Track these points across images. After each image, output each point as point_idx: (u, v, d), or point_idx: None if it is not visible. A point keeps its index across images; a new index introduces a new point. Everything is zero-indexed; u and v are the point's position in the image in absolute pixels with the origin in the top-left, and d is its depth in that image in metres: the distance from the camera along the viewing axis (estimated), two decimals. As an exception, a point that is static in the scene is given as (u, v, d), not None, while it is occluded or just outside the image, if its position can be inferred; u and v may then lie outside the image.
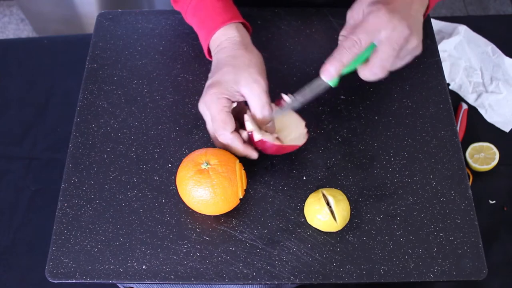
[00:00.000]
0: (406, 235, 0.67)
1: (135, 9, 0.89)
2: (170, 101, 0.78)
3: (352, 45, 0.63)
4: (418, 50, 0.67)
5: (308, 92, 0.67)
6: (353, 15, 0.68)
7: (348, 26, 0.69)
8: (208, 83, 0.68)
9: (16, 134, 1.21)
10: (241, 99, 0.67)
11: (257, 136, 0.66)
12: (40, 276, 0.99)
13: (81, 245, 0.67)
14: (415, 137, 0.75)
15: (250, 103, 0.67)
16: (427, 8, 0.70)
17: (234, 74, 0.66)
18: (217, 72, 0.67)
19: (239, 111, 0.69)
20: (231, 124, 0.65)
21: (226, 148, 0.69)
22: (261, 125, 0.67)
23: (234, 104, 0.67)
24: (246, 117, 0.67)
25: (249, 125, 0.66)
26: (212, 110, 0.66)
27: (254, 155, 0.68)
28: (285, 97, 0.68)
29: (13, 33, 2.01)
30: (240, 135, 0.67)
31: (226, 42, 0.70)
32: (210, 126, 0.68)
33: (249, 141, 0.68)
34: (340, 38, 0.68)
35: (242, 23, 0.73)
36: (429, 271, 0.65)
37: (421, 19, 0.68)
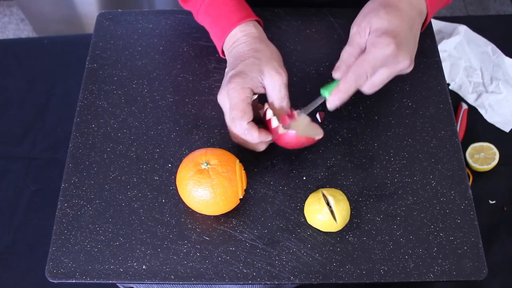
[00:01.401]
0: (406, 235, 0.67)
1: (135, 9, 0.89)
2: (170, 101, 0.78)
3: (358, 78, 0.65)
4: (408, 71, 0.69)
5: (310, 108, 0.71)
6: (359, 31, 0.68)
7: (354, 43, 0.68)
8: (230, 73, 0.67)
9: (16, 134, 1.21)
10: (262, 91, 0.68)
11: (275, 123, 0.66)
12: (40, 276, 0.99)
13: (81, 245, 0.67)
14: (415, 137, 0.75)
15: (271, 94, 0.67)
16: (425, 20, 0.72)
17: (258, 65, 0.66)
18: (239, 64, 0.68)
19: (253, 107, 0.70)
20: (249, 114, 0.65)
21: (244, 143, 0.69)
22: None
23: (255, 96, 0.67)
24: (267, 105, 0.67)
25: (270, 112, 0.66)
26: (234, 99, 0.65)
27: (268, 137, 0.67)
28: (295, 113, 0.69)
29: (13, 33, 2.01)
30: (256, 125, 0.67)
31: (244, 37, 0.70)
32: (227, 117, 0.68)
33: (265, 127, 0.68)
34: (344, 54, 0.68)
35: (256, 20, 0.73)
36: (429, 271, 0.65)
37: (418, 37, 0.70)
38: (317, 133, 0.70)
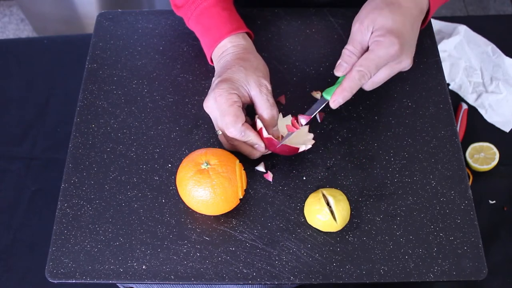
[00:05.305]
0: (406, 235, 0.67)
1: (135, 9, 0.89)
2: (170, 101, 0.78)
3: (362, 77, 0.66)
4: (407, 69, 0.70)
5: (314, 110, 0.70)
6: (362, 29, 0.68)
7: (355, 41, 0.68)
8: (217, 80, 0.68)
9: (16, 134, 1.20)
10: (248, 101, 0.68)
11: (266, 134, 0.67)
12: (40, 276, 0.99)
13: (81, 245, 0.67)
14: (415, 137, 0.75)
15: (258, 104, 0.68)
16: (426, 17, 0.72)
17: (245, 74, 0.67)
18: (226, 71, 0.68)
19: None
20: (242, 117, 0.66)
21: (235, 148, 0.69)
22: (267, 128, 0.68)
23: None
24: (257, 117, 0.68)
25: (259, 123, 0.67)
26: (223, 105, 0.66)
27: (261, 145, 0.68)
28: (302, 120, 0.69)
29: (13, 33, 2.01)
30: (250, 126, 0.67)
31: (232, 48, 0.71)
32: (218, 124, 0.68)
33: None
34: (345, 52, 0.69)
35: (247, 33, 0.74)
36: (429, 271, 0.65)
37: (417, 35, 0.70)
38: (307, 141, 0.71)
